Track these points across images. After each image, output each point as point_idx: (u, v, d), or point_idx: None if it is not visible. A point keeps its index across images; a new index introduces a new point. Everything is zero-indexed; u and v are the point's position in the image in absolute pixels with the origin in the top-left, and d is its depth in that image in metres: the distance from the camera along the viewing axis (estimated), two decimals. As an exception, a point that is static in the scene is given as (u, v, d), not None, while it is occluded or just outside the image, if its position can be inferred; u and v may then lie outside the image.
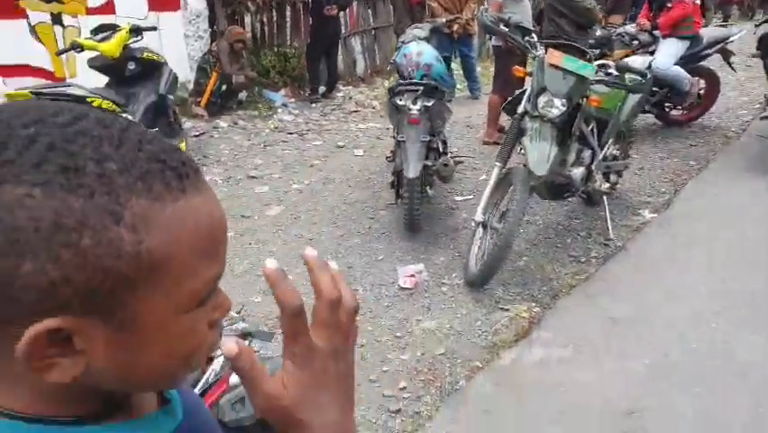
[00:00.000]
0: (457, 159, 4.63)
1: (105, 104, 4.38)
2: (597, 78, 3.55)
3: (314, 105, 7.40)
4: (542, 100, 3.40)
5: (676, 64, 5.55)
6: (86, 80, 5.00)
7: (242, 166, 5.34)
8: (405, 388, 2.71)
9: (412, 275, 3.53)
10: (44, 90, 4.42)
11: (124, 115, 4.03)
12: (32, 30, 5.91)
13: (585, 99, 3.58)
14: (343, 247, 3.93)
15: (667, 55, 5.53)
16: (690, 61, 5.67)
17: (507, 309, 3.24)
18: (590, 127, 3.87)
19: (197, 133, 6.10)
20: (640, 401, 2.56)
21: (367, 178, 5.00)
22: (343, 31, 8.40)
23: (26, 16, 5.84)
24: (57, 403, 0.51)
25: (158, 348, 0.51)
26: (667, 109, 5.99)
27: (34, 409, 0.50)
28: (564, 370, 2.79)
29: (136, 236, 0.46)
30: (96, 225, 0.44)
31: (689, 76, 5.58)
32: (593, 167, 3.81)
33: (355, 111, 7.19)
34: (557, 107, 3.37)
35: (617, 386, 2.67)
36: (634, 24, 6.20)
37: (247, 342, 1.76)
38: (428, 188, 4.08)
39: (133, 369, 0.51)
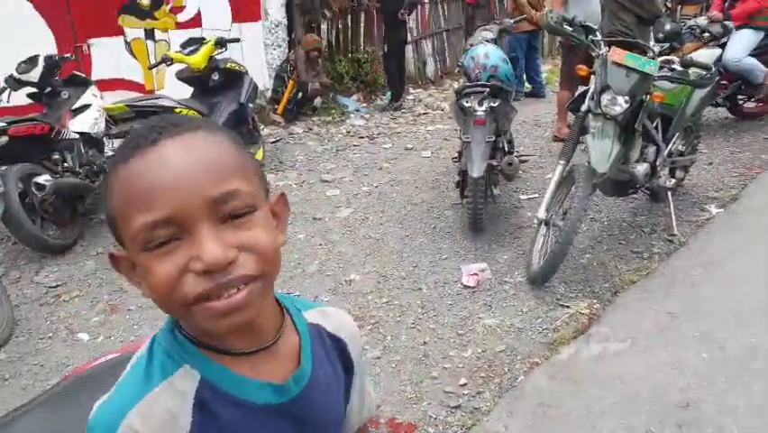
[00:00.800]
0: (522, 157, 4.69)
1: (191, 113, 4.74)
2: (660, 75, 3.56)
3: (386, 111, 7.52)
4: (605, 98, 3.43)
5: (751, 55, 5.41)
6: (173, 92, 5.40)
7: (315, 170, 5.58)
8: (465, 384, 2.78)
9: (475, 273, 3.64)
10: (138, 103, 4.85)
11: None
12: (128, 46, 6.45)
13: (648, 96, 3.59)
14: (409, 247, 4.07)
15: (740, 46, 5.39)
16: (764, 53, 5.48)
17: (568, 306, 3.30)
18: (655, 123, 3.86)
19: (274, 140, 6.41)
20: (696, 394, 2.59)
21: (434, 179, 5.14)
22: (415, 34, 8.54)
23: (123, 33, 6.40)
24: (202, 335, 0.72)
25: (144, 281, 0.69)
26: (740, 102, 5.82)
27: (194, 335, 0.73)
28: (621, 363, 2.85)
29: (110, 195, 0.69)
30: (105, 192, 0.71)
31: (763, 67, 5.40)
32: (657, 163, 3.80)
33: (424, 113, 7.32)
34: (620, 105, 3.40)
35: (672, 379, 2.70)
36: (704, 16, 6.05)
37: None
38: (493, 187, 4.16)
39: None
